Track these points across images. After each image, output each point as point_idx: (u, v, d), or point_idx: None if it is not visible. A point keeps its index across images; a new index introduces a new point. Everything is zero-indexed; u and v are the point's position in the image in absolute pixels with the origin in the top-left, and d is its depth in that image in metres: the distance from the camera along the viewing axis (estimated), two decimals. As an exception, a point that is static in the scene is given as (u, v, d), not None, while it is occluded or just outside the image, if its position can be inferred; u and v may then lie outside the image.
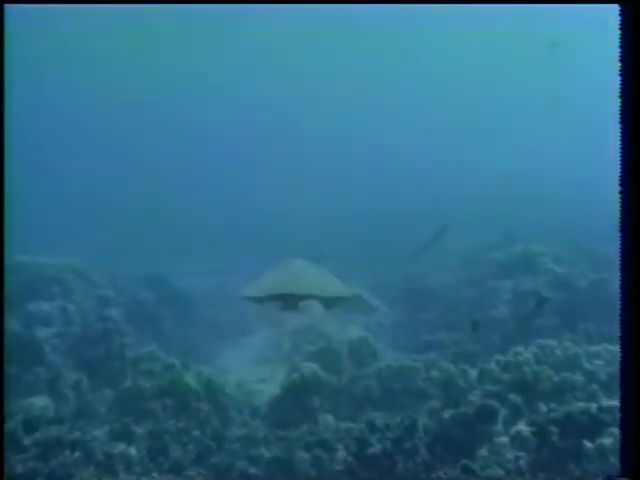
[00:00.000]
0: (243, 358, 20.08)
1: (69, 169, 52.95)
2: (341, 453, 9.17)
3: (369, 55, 61.15)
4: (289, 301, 8.57)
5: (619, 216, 4.90)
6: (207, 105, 66.59)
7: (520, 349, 10.46)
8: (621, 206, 4.87)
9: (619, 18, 4.93)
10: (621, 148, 4.88)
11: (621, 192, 4.88)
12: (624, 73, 4.86)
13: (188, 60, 59.01)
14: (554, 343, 10.68)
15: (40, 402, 11.38)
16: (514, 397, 9.17)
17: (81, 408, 11.80)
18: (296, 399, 11.75)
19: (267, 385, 16.66)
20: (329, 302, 8.81)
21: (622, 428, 4.75)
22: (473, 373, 10.33)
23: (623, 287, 4.82)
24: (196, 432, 10.14)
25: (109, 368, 13.75)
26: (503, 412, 8.99)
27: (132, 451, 9.30)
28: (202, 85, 64.60)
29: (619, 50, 4.92)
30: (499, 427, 8.72)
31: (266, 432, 10.69)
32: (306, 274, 8.92)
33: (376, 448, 8.68)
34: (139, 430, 10.02)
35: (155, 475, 8.98)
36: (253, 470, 9.21)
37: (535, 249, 17.59)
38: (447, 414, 9.22)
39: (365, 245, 30.67)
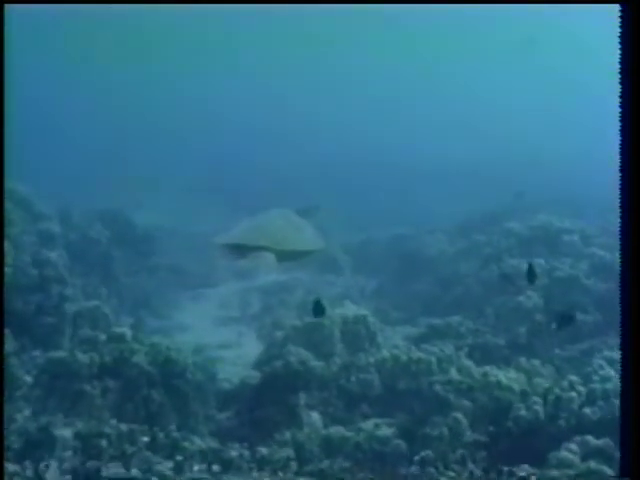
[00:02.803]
0: (205, 315, 17.67)
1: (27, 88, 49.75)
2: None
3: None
4: (239, 251, 7.73)
5: (619, 216, 4.78)
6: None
7: (603, 368, 7.86)
8: (621, 208, 4.77)
9: (619, 18, 4.84)
10: (621, 149, 4.79)
11: (621, 193, 4.78)
12: (624, 73, 4.81)
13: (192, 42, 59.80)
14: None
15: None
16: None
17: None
18: (276, 393, 9.13)
19: (230, 352, 14.53)
20: (283, 255, 7.79)
21: (622, 428, 4.60)
22: (532, 395, 7.48)
23: (623, 285, 4.70)
24: (143, 439, 7.41)
25: (41, 327, 10.99)
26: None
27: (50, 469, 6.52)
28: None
29: (619, 50, 4.83)
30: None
31: (239, 447, 7.92)
32: (264, 226, 8.01)
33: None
34: (64, 433, 7.23)
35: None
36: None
37: (558, 224, 14.98)
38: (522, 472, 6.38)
39: (354, 202, 28.27)
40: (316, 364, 9.44)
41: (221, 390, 10.33)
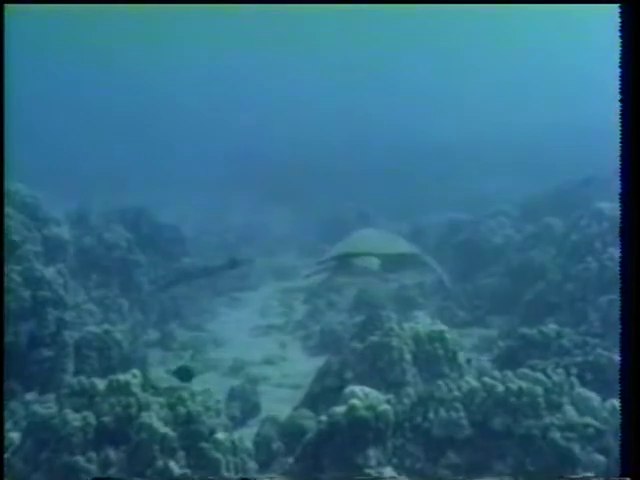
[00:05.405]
0: (242, 324, 15.62)
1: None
2: None
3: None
4: (345, 260, 9.04)
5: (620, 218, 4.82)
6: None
7: None
8: (621, 208, 4.79)
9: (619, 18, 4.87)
10: (621, 149, 4.83)
11: (621, 193, 4.83)
12: (624, 73, 4.82)
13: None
14: None
15: None
16: None
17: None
18: (337, 448, 6.83)
19: (273, 369, 12.48)
20: (385, 258, 8.94)
21: (622, 428, 4.59)
22: None
23: (623, 284, 4.71)
24: None
25: (36, 363, 8.79)
26: None
27: None
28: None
29: (619, 50, 4.84)
30: None
31: None
32: (366, 237, 9.72)
33: None
34: None
35: None
36: None
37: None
38: None
39: (399, 187, 26.17)
40: (387, 407, 7.05)
41: (264, 436, 8.13)
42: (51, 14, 43.54)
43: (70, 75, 58.05)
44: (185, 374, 7.57)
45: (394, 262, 9.43)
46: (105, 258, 14.63)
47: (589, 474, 6.33)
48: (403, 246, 9.65)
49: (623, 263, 4.73)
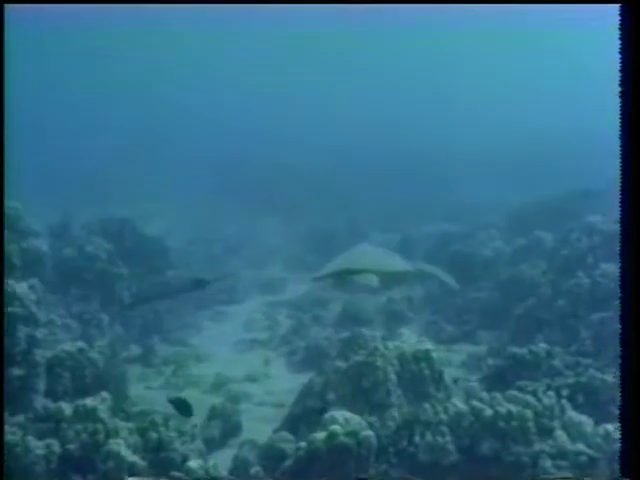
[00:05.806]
0: (226, 338, 15.17)
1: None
2: None
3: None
4: (343, 277, 8.90)
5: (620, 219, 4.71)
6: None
7: None
8: (622, 210, 4.69)
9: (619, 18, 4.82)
10: (621, 148, 4.73)
11: (622, 195, 4.70)
12: (624, 73, 4.77)
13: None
14: None
15: None
16: None
17: None
18: (316, 476, 6.50)
19: (256, 386, 12.02)
20: (383, 276, 8.82)
21: (622, 428, 4.55)
22: None
23: (623, 284, 4.62)
24: None
25: (6, 383, 8.38)
26: None
27: None
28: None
29: (619, 50, 4.78)
30: None
31: None
32: (365, 253, 9.54)
33: None
34: None
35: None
36: None
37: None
38: None
39: (388, 196, 25.90)
40: (370, 433, 6.73)
41: (242, 459, 7.81)
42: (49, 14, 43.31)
43: (57, 84, 57.83)
44: (184, 408, 7.15)
45: (392, 279, 9.49)
46: (86, 271, 14.20)
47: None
48: (401, 264, 9.47)
49: (623, 274, 4.65)
